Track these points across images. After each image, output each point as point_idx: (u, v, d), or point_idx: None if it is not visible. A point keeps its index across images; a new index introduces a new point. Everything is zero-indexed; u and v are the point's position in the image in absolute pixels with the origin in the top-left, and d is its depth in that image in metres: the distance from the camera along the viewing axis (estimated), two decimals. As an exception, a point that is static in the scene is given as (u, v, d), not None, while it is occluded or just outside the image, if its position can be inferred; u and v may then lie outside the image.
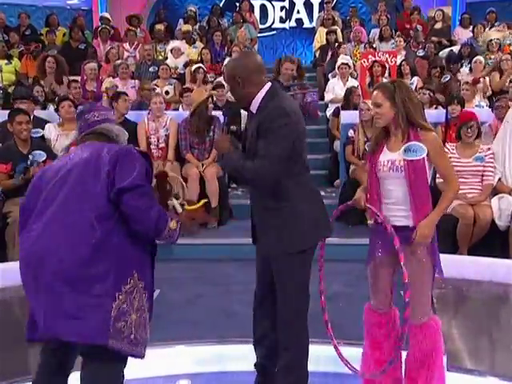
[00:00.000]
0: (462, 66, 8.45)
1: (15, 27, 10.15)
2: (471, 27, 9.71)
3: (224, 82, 7.29)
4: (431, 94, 6.88)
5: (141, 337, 2.28)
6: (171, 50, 8.78)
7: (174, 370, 3.39)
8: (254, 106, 2.70)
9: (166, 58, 8.80)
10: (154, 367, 3.39)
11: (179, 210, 2.42)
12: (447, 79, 7.46)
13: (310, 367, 2.80)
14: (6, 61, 8.48)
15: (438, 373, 2.86)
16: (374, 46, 9.12)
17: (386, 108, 2.76)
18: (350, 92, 7.07)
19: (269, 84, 2.72)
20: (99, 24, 10.06)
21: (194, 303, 4.17)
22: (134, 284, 2.25)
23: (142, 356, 2.31)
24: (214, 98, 6.87)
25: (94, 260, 2.18)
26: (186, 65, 8.50)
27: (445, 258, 3.92)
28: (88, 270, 2.17)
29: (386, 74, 7.80)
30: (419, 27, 9.84)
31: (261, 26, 11.81)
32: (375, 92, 2.82)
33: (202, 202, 2.46)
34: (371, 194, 2.85)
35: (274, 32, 12.81)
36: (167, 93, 7.48)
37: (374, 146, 2.88)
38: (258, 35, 10.75)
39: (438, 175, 5.03)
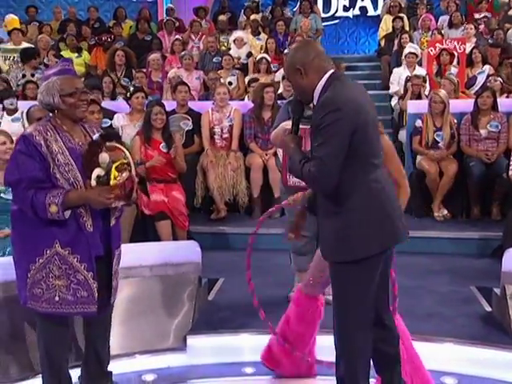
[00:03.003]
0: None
1: (85, 21, 10.47)
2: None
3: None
4: (502, 82, 6.61)
5: (74, 296, 2.57)
6: (234, 41, 8.80)
7: (239, 358, 3.44)
8: (315, 98, 2.44)
9: (229, 49, 8.83)
10: (220, 354, 3.45)
11: (93, 183, 2.49)
12: None
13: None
14: (76, 54, 8.79)
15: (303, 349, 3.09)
16: (443, 32, 8.82)
17: None
18: (407, 81, 6.88)
19: (331, 70, 2.45)
20: (164, 16, 10.22)
21: (257, 293, 4.18)
22: (52, 253, 2.54)
23: (70, 314, 2.64)
24: (281, 89, 6.83)
25: (12, 243, 2.69)
26: (249, 55, 8.52)
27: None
28: (13, 249, 2.70)
29: (455, 62, 7.52)
30: (488, 14, 9.44)
31: (324, 15, 11.66)
32: None
33: (114, 182, 2.46)
34: None
35: (337, 21, 12.62)
36: (230, 83, 7.51)
37: None
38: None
39: (511, 167, 4.86)
